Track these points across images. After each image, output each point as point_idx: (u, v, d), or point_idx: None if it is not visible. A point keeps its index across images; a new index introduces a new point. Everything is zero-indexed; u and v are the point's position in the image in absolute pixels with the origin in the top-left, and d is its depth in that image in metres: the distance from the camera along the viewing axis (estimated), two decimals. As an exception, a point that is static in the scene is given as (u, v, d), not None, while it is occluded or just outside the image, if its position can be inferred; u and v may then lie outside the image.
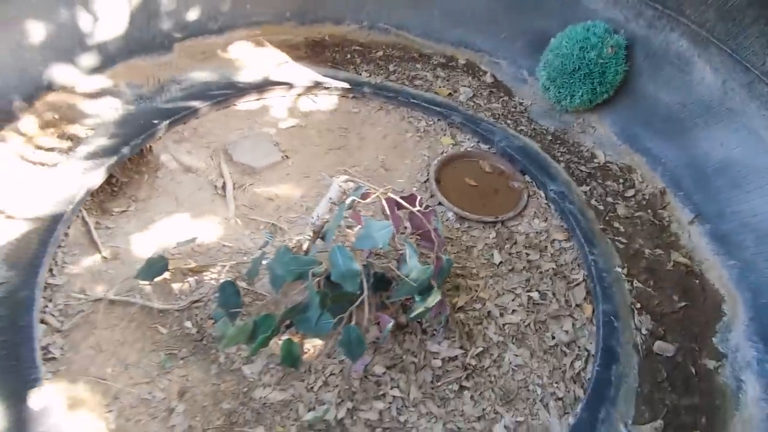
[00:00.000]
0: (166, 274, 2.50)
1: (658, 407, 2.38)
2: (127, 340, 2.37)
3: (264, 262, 2.41)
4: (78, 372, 2.24)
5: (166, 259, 2.46)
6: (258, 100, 3.50)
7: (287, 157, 3.23)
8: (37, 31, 3.06)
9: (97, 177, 2.81)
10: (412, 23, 4.16)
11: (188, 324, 2.45)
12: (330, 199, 2.31)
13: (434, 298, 2.27)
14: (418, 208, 2.27)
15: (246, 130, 3.32)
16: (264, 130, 3.35)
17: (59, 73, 3.22)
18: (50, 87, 3.20)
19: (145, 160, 3.08)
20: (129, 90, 3.36)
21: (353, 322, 2.12)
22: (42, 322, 2.34)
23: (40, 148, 2.97)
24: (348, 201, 2.15)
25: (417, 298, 2.27)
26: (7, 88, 3.00)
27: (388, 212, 2.28)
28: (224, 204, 2.95)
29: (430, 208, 2.34)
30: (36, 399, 2.07)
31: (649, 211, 3.30)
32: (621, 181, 3.47)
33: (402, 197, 2.30)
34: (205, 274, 2.63)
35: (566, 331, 2.66)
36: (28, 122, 3.07)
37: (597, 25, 3.50)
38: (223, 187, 3.01)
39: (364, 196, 2.21)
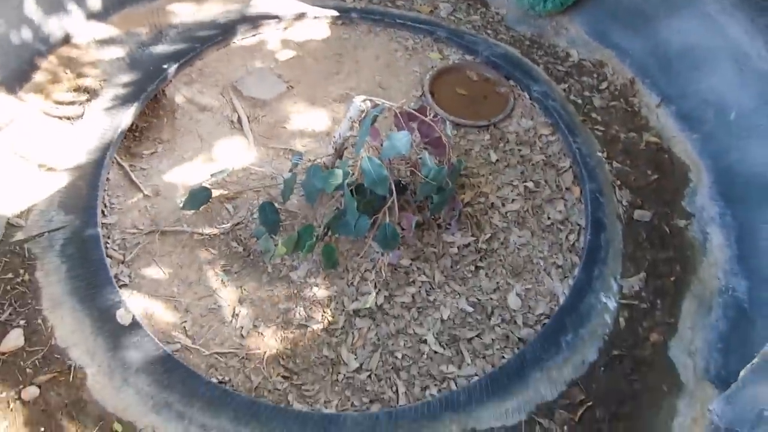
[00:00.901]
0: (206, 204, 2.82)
1: (641, 262, 2.85)
2: (184, 263, 2.71)
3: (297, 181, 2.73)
4: (149, 293, 2.60)
5: (208, 188, 2.76)
6: (254, 35, 3.68)
7: (291, 87, 3.47)
8: (34, -10, 3.17)
9: (123, 122, 3.04)
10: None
11: (234, 244, 2.79)
12: (350, 118, 2.60)
13: (449, 194, 2.66)
14: (430, 117, 2.58)
15: (249, 66, 3.53)
16: (265, 64, 3.56)
17: (60, 29, 3.35)
18: (56, 42, 3.34)
19: (161, 104, 3.30)
20: (129, 38, 3.51)
21: (387, 220, 2.49)
22: (107, 256, 2.66)
23: (60, 103, 3.17)
24: (371, 116, 2.45)
25: (434, 197, 2.64)
26: (17, 48, 3.14)
27: (403, 125, 2.60)
28: (243, 136, 3.21)
29: (439, 117, 2.65)
30: (122, 316, 2.43)
31: (622, 99, 3.66)
32: (595, 75, 3.80)
33: (414, 110, 2.61)
34: (239, 199, 2.95)
35: (560, 211, 3.07)
36: (41, 79, 3.24)
37: (563, -71, 3.70)
38: (239, 120, 3.26)
39: (382, 111, 2.51)
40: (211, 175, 2.89)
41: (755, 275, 2.72)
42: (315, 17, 3.81)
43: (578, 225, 3.01)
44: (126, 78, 3.29)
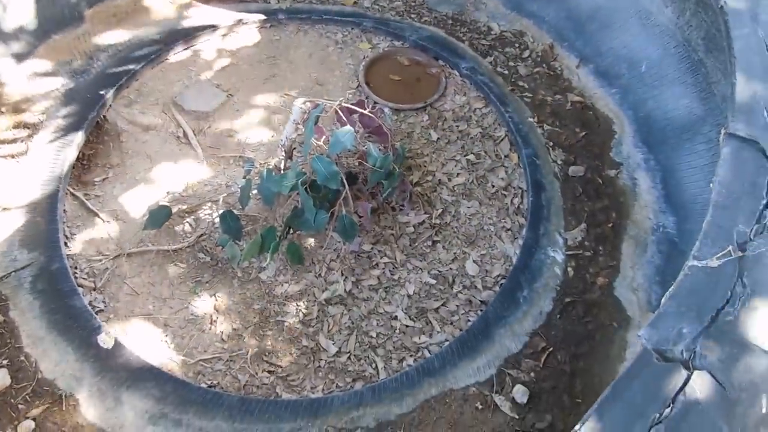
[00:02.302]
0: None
1: (580, 215, 3.11)
2: (155, 280, 2.80)
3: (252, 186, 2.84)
4: (126, 315, 2.68)
5: (168, 206, 2.85)
6: (186, 49, 3.72)
7: (231, 95, 3.55)
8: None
9: (70, 153, 3.07)
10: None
11: (201, 255, 2.90)
12: (294, 120, 2.74)
13: (398, 178, 2.83)
14: (368, 110, 2.74)
15: (186, 80, 3.59)
16: (202, 76, 3.62)
17: (-12, 68, 3.32)
18: (-15, 84, 3.31)
19: (104, 129, 3.33)
20: (61, 68, 3.50)
21: (343, 211, 2.64)
22: (78, 285, 2.72)
23: (1, 142, 3.16)
24: (313, 117, 2.59)
25: (384, 183, 2.81)
26: (-53, 95, 3.11)
27: (345, 120, 2.75)
28: (191, 149, 3.29)
29: (378, 107, 2.81)
30: (104, 340, 2.52)
31: (544, 65, 3.90)
32: (517, 45, 4.03)
33: (352, 104, 2.76)
34: (199, 212, 3.04)
35: (502, 179, 3.29)
36: (-22, 122, 3.22)
37: None
38: (185, 135, 3.33)
39: (323, 111, 2.66)
40: (167, 193, 2.98)
41: (681, 210, 3.01)
42: (244, 23, 3.88)
43: (520, 189, 3.24)
44: (65, 109, 3.30)
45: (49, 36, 3.61)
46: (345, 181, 2.63)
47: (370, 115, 2.77)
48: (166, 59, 3.66)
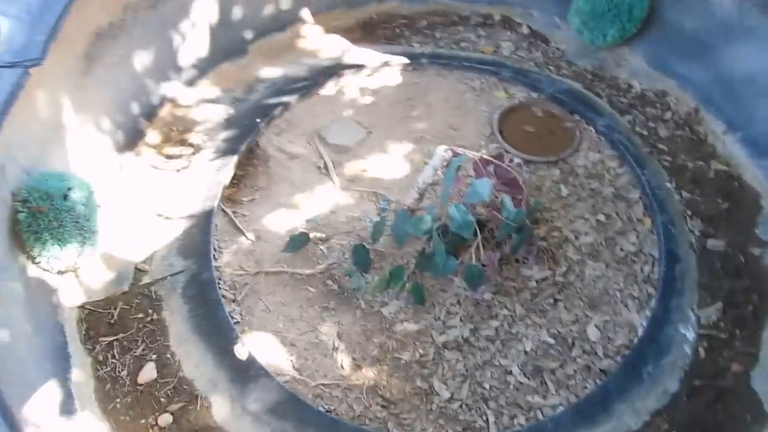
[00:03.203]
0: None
1: (717, 293, 2.96)
2: (286, 301, 3.02)
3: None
4: (258, 329, 2.91)
5: (306, 233, 3.08)
6: (334, 85, 4.01)
7: (370, 132, 3.76)
8: (143, 60, 3.61)
9: (226, 174, 3.41)
10: (447, -12, 4.57)
11: (330, 282, 3.08)
12: (434, 166, 2.86)
13: (529, 232, 2.87)
14: (507, 163, 2.81)
15: (331, 114, 3.85)
16: (345, 112, 3.87)
17: (166, 90, 3.78)
18: (162, 104, 3.76)
19: (255, 154, 3.65)
20: (224, 95, 3.90)
21: (473, 260, 2.72)
22: (221, 296, 3.00)
23: (169, 157, 3.57)
24: (454, 166, 2.69)
25: (514, 236, 2.86)
26: (133, 110, 3.57)
27: (482, 170, 2.84)
28: (330, 180, 3.52)
29: (517, 161, 2.87)
30: (239, 351, 2.75)
31: (687, 128, 3.77)
32: (658, 105, 3.92)
33: (492, 156, 2.84)
34: (332, 241, 3.24)
35: (633, 243, 3.22)
36: (152, 136, 3.66)
37: (622, -33, 3.87)
38: (325, 166, 3.58)
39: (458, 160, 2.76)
40: (307, 221, 3.21)
41: (834, 302, 2.79)
42: (388, 64, 4.11)
43: (652, 256, 3.14)
44: (224, 132, 3.67)
45: (217, 65, 4.04)
46: (477, 230, 2.71)
47: (508, 168, 2.83)
48: (316, 93, 3.96)
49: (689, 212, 3.31)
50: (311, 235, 3.19)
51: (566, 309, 2.97)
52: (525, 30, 4.47)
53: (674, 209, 3.31)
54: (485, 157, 2.78)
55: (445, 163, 2.84)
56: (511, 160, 2.91)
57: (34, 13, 2.33)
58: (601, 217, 3.32)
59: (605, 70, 4.20)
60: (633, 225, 3.30)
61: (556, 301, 3.00)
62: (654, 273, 3.08)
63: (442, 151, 2.78)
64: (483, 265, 2.90)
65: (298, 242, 3.06)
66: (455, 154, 2.79)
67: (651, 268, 3.10)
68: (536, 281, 3.06)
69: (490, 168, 2.89)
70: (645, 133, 3.74)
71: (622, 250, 3.19)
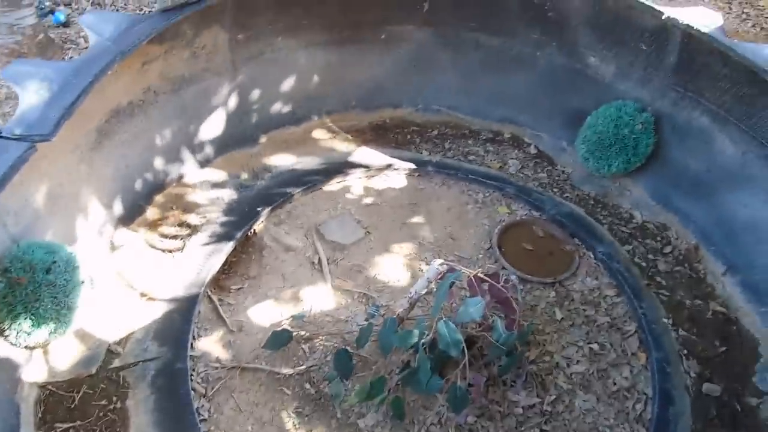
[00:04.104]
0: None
1: (712, 443, 2.80)
2: (260, 401, 2.87)
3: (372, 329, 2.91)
4: (226, 430, 2.74)
5: (290, 331, 2.98)
6: (339, 182, 4.06)
7: (369, 232, 3.76)
8: (158, 139, 3.68)
9: (218, 260, 3.37)
10: (461, 104, 4.73)
11: (308, 385, 2.94)
12: (428, 279, 2.82)
13: (520, 356, 2.76)
14: (502, 283, 2.77)
15: (332, 211, 3.87)
16: (347, 209, 3.89)
17: (174, 169, 3.83)
18: (167, 182, 3.80)
19: (251, 242, 3.63)
20: (230, 180, 3.95)
21: (458, 381, 2.60)
22: (191, 389, 2.85)
23: (165, 236, 3.55)
24: (448, 282, 2.65)
25: (504, 357, 2.75)
26: (136, 186, 3.60)
27: (476, 288, 2.79)
28: (322, 277, 3.47)
29: (511, 282, 2.83)
30: (201, 455, 2.57)
31: (686, 265, 3.74)
32: (658, 239, 3.93)
33: (487, 275, 2.80)
34: (316, 341, 3.14)
35: (626, 378, 3.09)
36: (152, 214, 3.66)
37: (627, 105, 4.02)
38: (319, 262, 3.54)
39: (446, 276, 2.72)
40: (292, 317, 3.12)
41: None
42: (395, 168, 4.18)
43: (645, 394, 3.01)
44: (224, 217, 3.68)
45: (228, 150, 4.13)
46: (465, 349, 2.61)
47: (502, 288, 2.78)
48: (320, 188, 4.00)
49: (685, 351, 3.20)
50: (294, 333, 3.09)
51: (552, 443, 2.80)
52: (533, 150, 4.58)
53: (670, 347, 3.21)
54: (480, 275, 2.74)
55: (439, 277, 2.79)
56: (507, 280, 2.87)
57: (54, 91, 2.39)
58: (595, 347, 3.22)
59: (608, 197, 4.25)
60: (627, 358, 3.19)
61: (542, 431, 2.84)
62: (647, 412, 2.93)
63: (437, 265, 2.75)
64: (470, 385, 2.78)
65: (280, 339, 2.96)
66: (451, 270, 2.75)
67: (644, 406, 2.96)
68: (523, 408, 2.91)
69: (485, 286, 2.84)
70: (644, 264, 3.72)
71: (614, 383, 3.06)
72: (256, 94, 4.19)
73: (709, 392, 3.02)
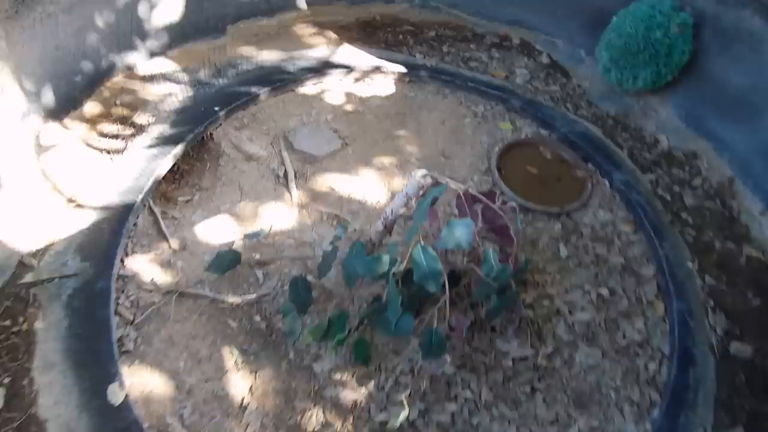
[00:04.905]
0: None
1: (739, 413, 2.33)
2: (198, 333, 2.38)
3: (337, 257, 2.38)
4: (152, 365, 2.27)
5: (238, 253, 2.46)
6: (315, 84, 3.43)
7: (347, 144, 3.18)
8: (98, 17, 3.03)
9: (163, 165, 2.81)
10: (464, 1, 4.02)
11: (257, 318, 2.45)
12: (407, 193, 2.26)
13: (513, 296, 2.25)
14: (498, 204, 2.21)
15: (304, 116, 3.27)
16: (322, 116, 3.29)
17: (119, 58, 3.20)
18: (110, 72, 3.18)
19: (207, 148, 3.06)
20: (187, 75, 3.32)
21: (435, 322, 2.09)
22: (116, 314, 2.36)
23: (104, 135, 2.99)
24: (430, 197, 2.09)
25: (494, 298, 2.24)
26: (70, 74, 2.99)
27: (465, 209, 2.24)
28: (287, 193, 2.92)
29: (510, 204, 2.27)
30: (114, 393, 2.10)
31: (718, 200, 3.18)
32: (687, 168, 3.35)
33: (481, 193, 2.24)
34: (272, 266, 2.62)
35: (638, 330, 2.60)
36: (91, 108, 3.07)
37: (663, 2, 3.33)
38: (285, 175, 2.98)
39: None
40: (245, 236, 2.59)
41: None
42: (382, 71, 3.54)
43: (660, 352, 2.52)
44: (176, 117, 3.08)
45: (186, 40, 3.47)
46: (447, 283, 2.09)
47: (499, 211, 2.23)
48: (292, 90, 3.38)
49: (712, 303, 2.69)
50: (247, 256, 2.58)
51: (545, 403, 2.33)
52: (545, 59, 3.92)
53: (694, 296, 2.69)
54: (473, 192, 2.18)
55: (421, 192, 2.23)
56: (504, 202, 2.32)
57: None
58: (604, 292, 2.71)
59: (630, 118, 3.63)
60: (642, 308, 2.68)
61: (534, 390, 2.36)
62: (661, 374, 2.45)
63: (419, 177, 2.18)
64: (451, 329, 2.27)
65: (224, 261, 2.44)
66: (435, 183, 2.18)
67: (658, 367, 2.47)
68: (513, 360, 2.43)
69: (477, 208, 2.28)
70: (668, 197, 3.15)
71: (624, 337, 2.57)
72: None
73: (738, 353, 2.53)
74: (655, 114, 3.65)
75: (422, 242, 2.03)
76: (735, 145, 3.30)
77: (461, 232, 2.01)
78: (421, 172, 2.19)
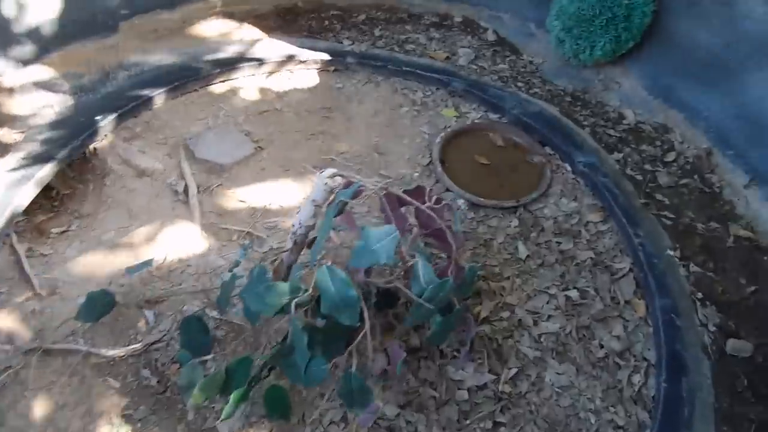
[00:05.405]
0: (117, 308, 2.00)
1: (743, 425, 1.90)
2: (67, 401, 1.87)
3: (238, 286, 1.90)
4: (7, 450, 1.76)
5: (111, 293, 1.95)
6: (223, 82, 2.95)
7: (261, 148, 2.69)
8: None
9: (25, 192, 2.28)
10: (397, -21, 3.59)
11: (146, 372, 1.95)
12: (314, 200, 1.78)
13: (459, 315, 1.78)
14: (428, 204, 1.74)
15: (210, 120, 2.78)
16: (232, 118, 2.80)
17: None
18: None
19: (90, 166, 2.55)
20: (67, 81, 2.81)
21: (354, 364, 1.61)
22: (-42, 385, 1.85)
23: (-43, 159, 2.45)
24: (335, 204, 1.62)
25: (437, 319, 1.77)
26: None
27: (389, 214, 1.77)
28: (187, 212, 2.42)
29: (444, 202, 1.81)
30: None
31: (696, 176, 2.78)
32: (658, 143, 2.94)
33: (407, 192, 1.78)
34: (166, 303, 2.12)
35: (617, 337, 2.16)
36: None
37: (617, -40, 2.93)
38: (185, 191, 2.48)
39: (357, 194, 1.69)
40: (128, 270, 2.08)
41: None
42: (302, 61, 3.07)
43: (645, 360, 2.09)
44: (50, 132, 2.57)
45: (69, 42, 2.96)
46: (366, 311, 1.62)
47: (430, 213, 1.77)
48: (195, 90, 2.89)
49: (700, 295, 2.27)
50: (139, 293, 2.08)
51: (512, 441, 1.87)
52: (490, 36, 3.50)
53: (679, 290, 2.27)
54: (395, 192, 1.71)
55: (332, 197, 1.76)
56: (438, 200, 1.86)
57: None
58: (574, 294, 2.27)
59: (590, 93, 3.22)
60: (619, 309, 2.24)
61: (497, 425, 1.90)
62: (648, 388, 2.01)
63: (326, 178, 1.71)
64: (384, 365, 1.80)
65: (96, 306, 1.93)
66: (348, 183, 1.71)
67: (644, 379, 2.03)
68: (469, 390, 1.97)
69: (403, 211, 1.82)
70: (639, 177, 2.73)
71: (601, 347, 2.13)
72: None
73: (736, 352, 2.11)
74: (618, 86, 3.25)
75: (329, 261, 1.56)
76: (710, 113, 2.91)
77: (379, 244, 1.54)
78: (328, 172, 1.72)
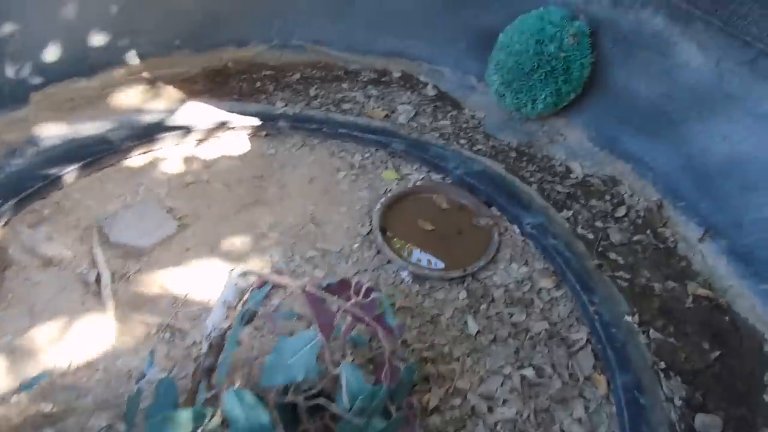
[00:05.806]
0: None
1: None
2: None
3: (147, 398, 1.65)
4: None
5: (-9, 421, 1.67)
6: (144, 153, 2.73)
7: (185, 225, 2.46)
8: None
9: None
10: (332, 36, 3.47)
11: None
12: (225, 301, 1.56)
13: (398, 424, 1.56)
14: (353, 300, 1.54)
15: (129, 197, 2.55)
16: (153, 193, 2.58)
17: None
18: None
19: (-13, 258, 2.27)
20: (-37, 163, 2.54)
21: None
22: None
23: None
24: (245, 311, 1.41)
25: (376, 423, 1.54)
26: None
27: (314, 312, 1.56)
28: (99, 305, 2.16)
29: (373, 295, 1.61)
30: None
31: (648, 231, 2.67)
32: (607, 197, 2.83)
33: (329, 286, 1.57)
34: (67, 421, 1.84)
35: (578, 420, 1.97)
36: None
37: (552, 12, 2.88)
38: (98, 280, 2.22)
39: (268, 295, 1.49)
40: (21, 386, 1.81)
41: None
42: (231, 127, 2.88)
43: (611, 448, 1.90)
44: (-63, 222, 2.29)
45: (-30, 118, 2.71)
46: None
47: (355, 311, 1.56)
48: (111, 165, 2.66)
49: (663, 365, 2.11)
50: (36, 410, 1.79)
51: None
52: (431, 91, 3.39)
53: (641, 360, 2.11)
54: (310, 289, 1.50)
55: (245, 296, 1.54)
56: (369, 291, 1.66)
57: None
58: (529, 373, 2.08)
59: (536, 146, 3.11)
60: (578, 387, 2.07)
61: None
62: (617, 483, 1.82)
63: (236, 278, 1.50)
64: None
65: (-25, 437, 1.65)
66: (262, 282, 1.50)
67: (612, 472, 1.85)
68: (418, 501, 1.73)
69: (329, 305, 1.61)
70: (591, 236, 2.61)
71: (562, 431, 1.94)
72: (19, 28, 2.75)
73: (705, 428, 1.95)
74: (563, 138, 3.16)
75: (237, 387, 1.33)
76: (656, 164, 2.83)
77: (295, 357, 1.33)
78: (238, 270, 1.52)
